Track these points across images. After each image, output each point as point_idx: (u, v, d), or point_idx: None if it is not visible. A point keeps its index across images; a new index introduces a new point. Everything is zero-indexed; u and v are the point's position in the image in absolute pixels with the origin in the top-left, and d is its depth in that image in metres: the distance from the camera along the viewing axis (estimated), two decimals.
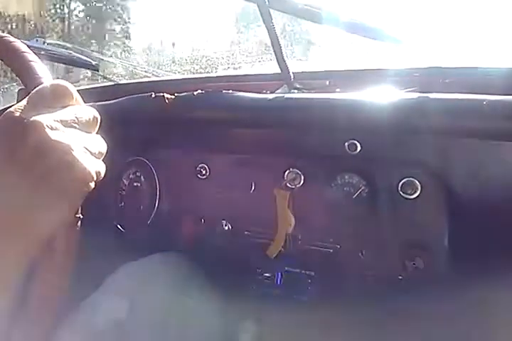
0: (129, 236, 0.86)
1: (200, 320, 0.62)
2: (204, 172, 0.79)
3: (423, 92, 0.57)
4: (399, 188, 0.61)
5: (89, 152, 0.33)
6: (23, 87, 0.40)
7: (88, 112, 0.35)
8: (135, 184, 0.86)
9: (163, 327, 0.58)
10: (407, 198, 0.61)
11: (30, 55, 0.40)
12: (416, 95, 0.57)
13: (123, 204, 0.87)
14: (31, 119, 0.30)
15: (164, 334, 0.57)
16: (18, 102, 0.33)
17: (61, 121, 0.32)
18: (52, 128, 0.31)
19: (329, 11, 0.56)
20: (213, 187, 0.78)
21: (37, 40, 0.89)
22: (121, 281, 0.63)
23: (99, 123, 0.36)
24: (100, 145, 0.35)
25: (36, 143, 0.30)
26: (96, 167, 0.33)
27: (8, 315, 0.31)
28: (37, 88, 0.34)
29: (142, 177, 0.86)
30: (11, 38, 0.42)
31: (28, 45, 0.42)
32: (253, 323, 0.71)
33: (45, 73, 0.39)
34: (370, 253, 0.64)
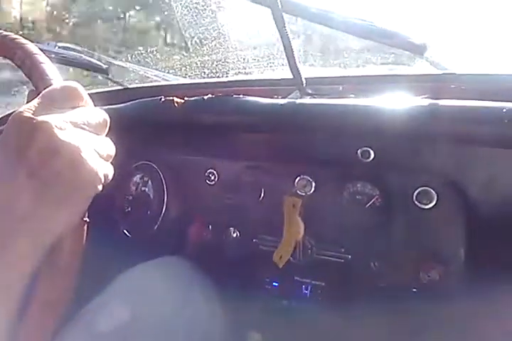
0: (135, 242, 0.85)
1: (205, 326, 0.62)
2: (212, 177, 0.78)
3: (438, 99, 0.56)
4: (414, 198, 0.60)
5: (97, 154, 0.33)
6: (33, 88, 0.40)
7: (98, 114, 0.35)
8: (142, 188, 0.85)
9: (168, 332, 0.57)
10: (422, 208, 0.59)
11: (41, 57, 0.40)
12: (431, 102, 0.56)
13: (130, 208, 0.86)
14: (40, 120, 0.30)
15: (168, 339, 0.56)
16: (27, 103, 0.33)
17: (70, 122, 0.32)
18: (61, 129, 0.30)
19: (345, 16, 0.55)
20: (222, 194, 0.76)
21: (48, 44, 0.89)
22: (125, 285, 0.62)
23: (108, 126, 0.36)
24: (109, 147, 0.35)
25: (45, 143, 0.30)
26: (104, 169, 0.33)
27: (13, 317, 0.31)
28: (47, 89, 0.34)
29: (150, 181, 0.85)
30: (23, 40, 0.42)
31: (39, 48, 0.42)
32: (259, 333, 0.70)
33: (55, 75, 0.39)
34: (383, 265, 0.62)
